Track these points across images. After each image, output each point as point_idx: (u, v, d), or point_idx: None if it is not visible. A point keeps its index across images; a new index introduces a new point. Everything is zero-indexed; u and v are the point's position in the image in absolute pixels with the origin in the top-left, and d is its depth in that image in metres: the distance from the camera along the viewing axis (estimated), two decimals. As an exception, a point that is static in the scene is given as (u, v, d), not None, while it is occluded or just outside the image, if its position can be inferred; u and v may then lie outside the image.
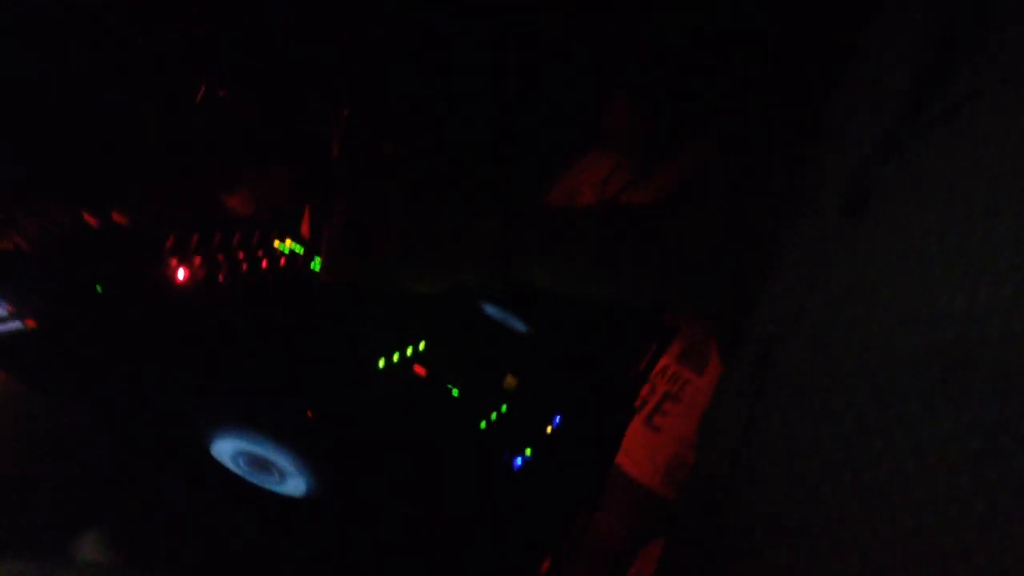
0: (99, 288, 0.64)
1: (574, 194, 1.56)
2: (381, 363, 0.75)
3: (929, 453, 0.41)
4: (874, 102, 0.53)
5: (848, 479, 0.45)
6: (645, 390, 1.75)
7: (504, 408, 0.80)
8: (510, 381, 0.86)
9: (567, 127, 1.54)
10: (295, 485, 0.51)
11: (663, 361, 1.67)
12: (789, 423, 0.49)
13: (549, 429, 0.83)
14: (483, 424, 0.76)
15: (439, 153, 1.32)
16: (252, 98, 1.19)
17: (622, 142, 1.53)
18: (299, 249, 0.89)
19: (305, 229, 0.99)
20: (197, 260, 0.73)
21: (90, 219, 0.76)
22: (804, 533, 0.47)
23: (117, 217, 0.79)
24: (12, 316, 0.54)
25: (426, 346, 0.83)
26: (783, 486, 0.49)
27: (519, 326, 1.02)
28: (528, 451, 0.76)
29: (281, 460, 0.52)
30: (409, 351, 0.80)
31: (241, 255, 0.79)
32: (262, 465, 0.50)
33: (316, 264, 0.86)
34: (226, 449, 0.50)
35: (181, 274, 0.70)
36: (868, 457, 0.44)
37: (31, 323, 0.55)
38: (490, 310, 1.02)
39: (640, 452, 1.65)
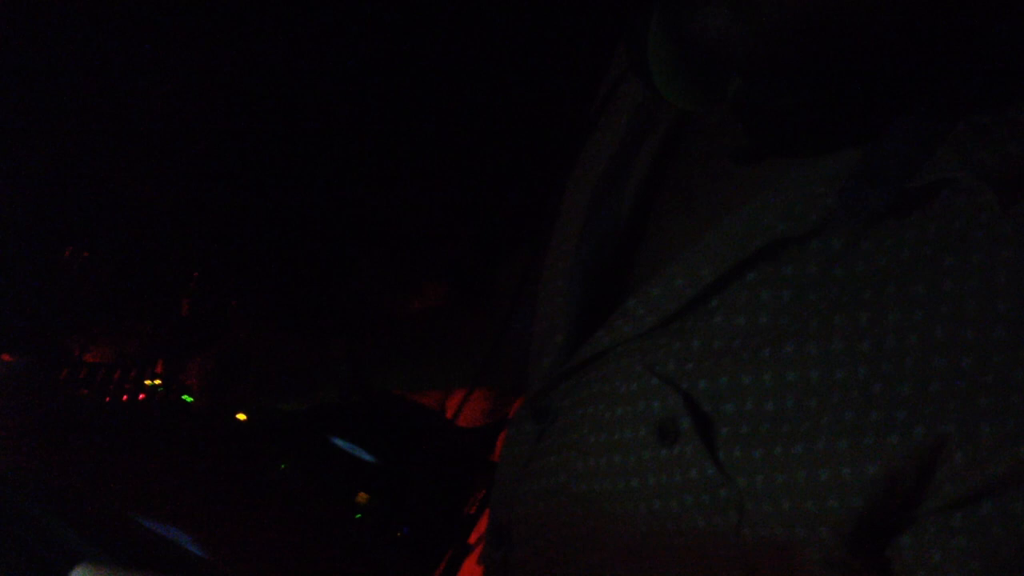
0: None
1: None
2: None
3: None
4: (550, 327, 0.63)
5: None
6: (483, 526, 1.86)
7: (358, 516, 0.92)
8: (362, 496, 0.98)
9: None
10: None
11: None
12: None
13: (399, 534, 0.95)
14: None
15: (288, 295, 1.45)
16: (112, 262, 1.30)
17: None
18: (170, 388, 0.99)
19: (159, 368, 1.09)
20: (83, 392, 0.83)
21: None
22: None
23: (5, 356, 0.88)
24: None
25: (286, 467, 0.95)
26: None
27: (365, 456, 1.15)
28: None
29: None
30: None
31: (122, 387, 0.89)
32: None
33: (187, 397, 0.97)
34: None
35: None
36: None
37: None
38: (340, 443, 1.14)
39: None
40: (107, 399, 0.90)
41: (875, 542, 0.44)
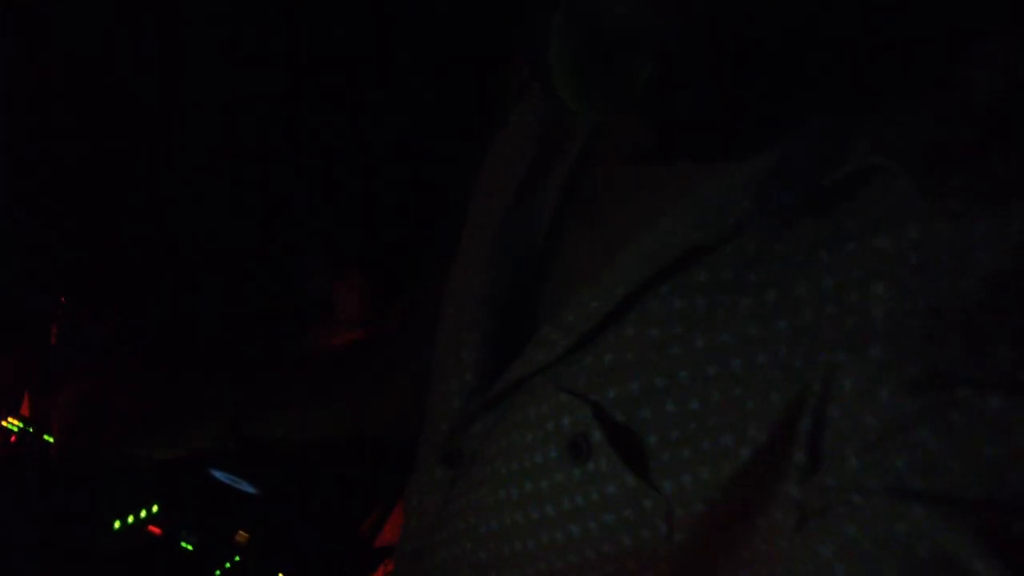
0: None
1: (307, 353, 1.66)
2: (116, 525, 0.81)
3: None
4: (457, 365, 0.60)
5: None
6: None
7: (237, 558, 0.88)
8: (242, 535, 0.93)
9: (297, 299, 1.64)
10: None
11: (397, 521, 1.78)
12: None
13: (281, 575, 0.91)
14: (217, 572, 0.83)
15: (164, 329, 1.39)
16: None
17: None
18: (29, 428, 0.93)
19: (26, 410, 1.03)
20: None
21: None
22: None
23: None
24: None
25: (159, 508, 0.90)
26: None
27: (248, 489, 1.10)
28: (261, 593, 0.84)
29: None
30: (144, 513, 0.86)
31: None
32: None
33: (49, 437, 0.91)
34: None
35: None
36: None
37: None
38: (219, 475, 1.09)
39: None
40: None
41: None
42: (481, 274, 0.61)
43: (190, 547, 0.85)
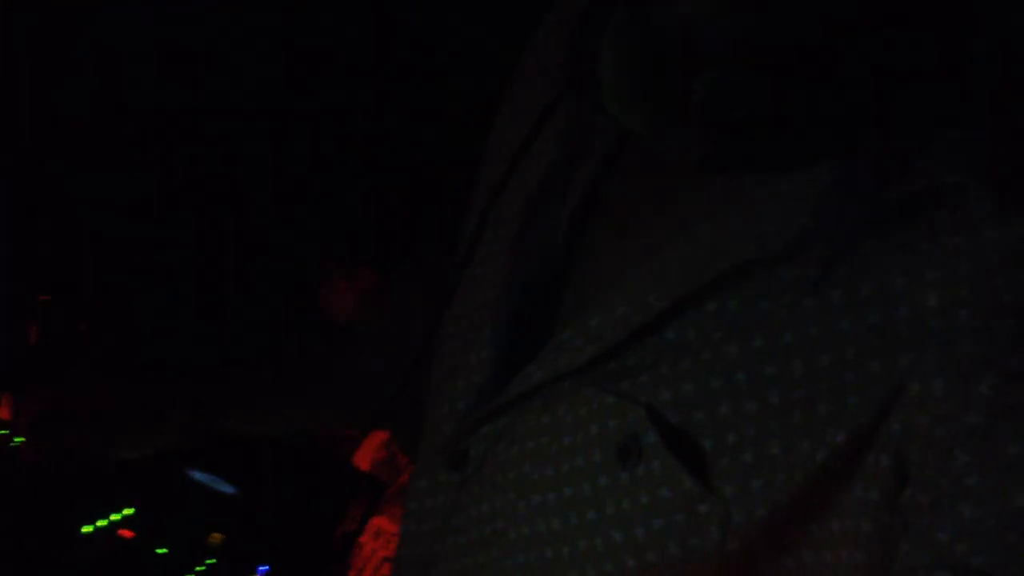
0: None
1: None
2: (87, 528, 0.80)
3: None
4: (465, 366, 0.58)
5: None
6: (367, 551, 1.85)
7: (211, 561, 0.87)
8: (216, 537, 0.93)
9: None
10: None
11: (377, 524, 1.78)
12: None
13: (255, 577, 0.91)
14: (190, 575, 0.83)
15: (137, 326, 1.38)
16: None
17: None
18: (1, 430, 0.92)
19: (4, 412, 1.02)
20: None
21: None
22: None
23: None
24: None
25: (134, 511, 0.89)
26: None
27: (227, 488, 1.09)
28: (234, 596, 0.83)
29: None
30: (116, 516, 0.86)
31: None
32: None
33: (19, 440, 0.90)
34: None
35: None
36: None
37: None
38: (198, 475, 1.08)
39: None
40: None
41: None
42: (495, 278, 0.59)
43: (163, 550, 0.84)
